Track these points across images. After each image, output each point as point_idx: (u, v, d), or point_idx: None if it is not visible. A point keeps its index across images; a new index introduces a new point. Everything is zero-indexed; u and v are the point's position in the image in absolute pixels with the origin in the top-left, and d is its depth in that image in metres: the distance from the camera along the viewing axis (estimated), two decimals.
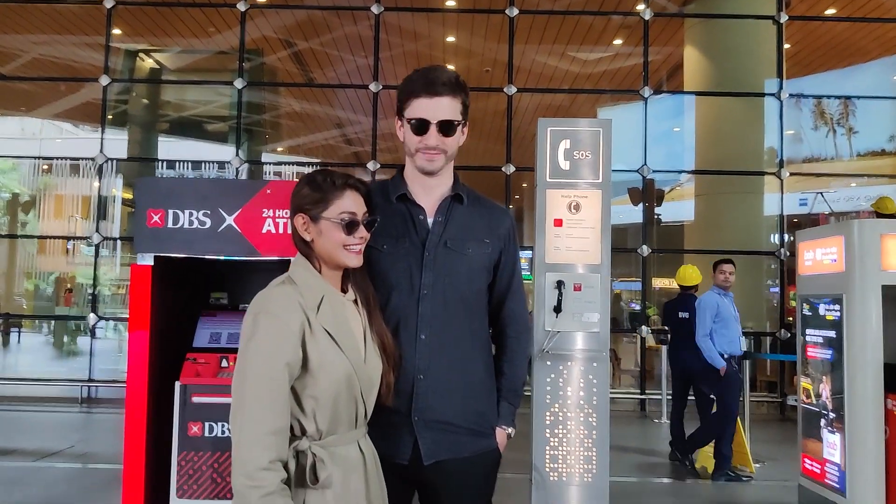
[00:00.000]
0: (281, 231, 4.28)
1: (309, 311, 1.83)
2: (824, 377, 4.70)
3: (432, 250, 2.21)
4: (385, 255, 2.18)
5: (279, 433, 1.74)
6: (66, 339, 14.63)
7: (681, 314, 7.21)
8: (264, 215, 4.29)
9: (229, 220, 4.29)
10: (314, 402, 1.82)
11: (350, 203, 1.93)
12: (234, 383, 1.79)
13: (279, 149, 19.29)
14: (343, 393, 1.86)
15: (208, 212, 4.27)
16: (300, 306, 1.82)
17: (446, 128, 2.20)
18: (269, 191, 4.34)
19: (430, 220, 2.24)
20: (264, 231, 4.27)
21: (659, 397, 9.54)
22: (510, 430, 2.36)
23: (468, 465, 2.23)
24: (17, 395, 9.88)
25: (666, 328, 8.26)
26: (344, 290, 1.99)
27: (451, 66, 14.51)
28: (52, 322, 16.15)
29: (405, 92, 2.22)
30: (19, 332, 16.04)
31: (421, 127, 2.18)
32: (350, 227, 1.91)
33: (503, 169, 10.13)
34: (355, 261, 1.94)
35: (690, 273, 7.41)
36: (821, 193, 10.59)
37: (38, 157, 14.77)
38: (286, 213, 4.30)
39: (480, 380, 2.28)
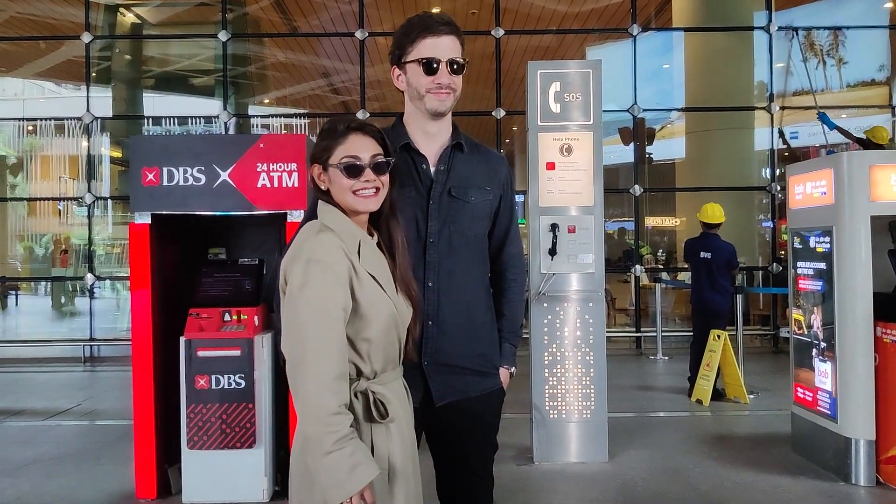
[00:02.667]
0: (276, 185, 4.32)
1: (352, 256, 1.85)
2: (815, 308, 4.79)
3: (437, 199, 2.25)
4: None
5: (343, 377, 1.77)
6: (63, 300, 14.66)
7: (703, 254, 7.17)
8: (258, 169, 4.33)
9: (224, 175, 4.33)
10: (367, 344, 1.86)
11: (353, 147, 1.92)
12: (287, 332, 1.80)
13: (266, 101, 19.07)
14: (392, 332, 1.91)
15: (202, 168, 4.31)
16: (344, 252, 1.84)
17: (455, 66, 2.22)
18: (262, 145, 4.37)
19: (432, 169, 2.28)
20: (259, 185, 4.31)
21: (654, 335, 9.68)
22: (512, 369, 2.45)
23: (476, 405, 2.31)
24: (21, 356, 9.96)
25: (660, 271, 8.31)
26: (370, 234, 2.00)
27: (436, 10, 14.29)
28: (50, 283, 16.17)
29: (407, 35, 2.21)
30: (16, 294, 16.04)
31: (431, 66, 2.19)
32: (351, 170, 1.90)
33: (493, 113, 10.09)
34: (365, 205, 1.93)
35: (713, 211, 7.25)
36: (780, 131, 10.54)
37: (23, 119, 14.56)
38: (280, 167, 4.35)
39: (484, 322, 2.35)
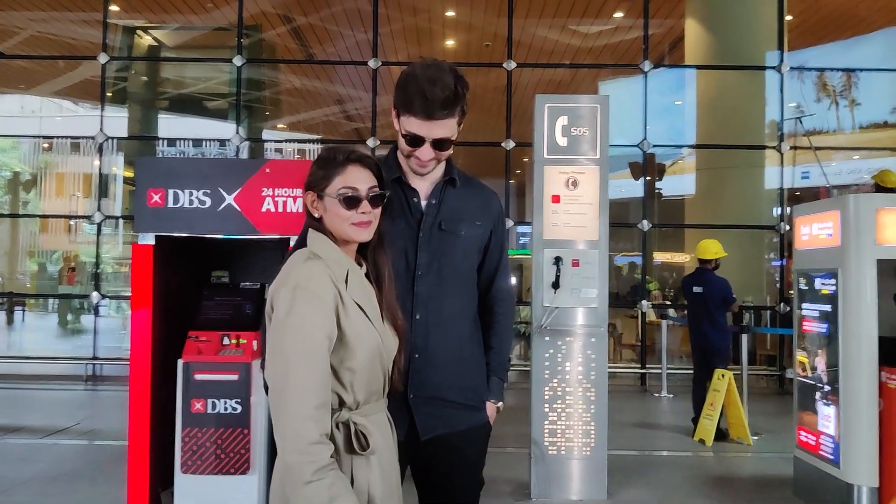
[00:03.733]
0: (280, 210, 4.32)
1: (339, 285, 1.85)
2: (820, 350, 4.74)
3: (427, 232, 2.25)
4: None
5: (324, 407, 1.76)
6: (70, 317, 14.70)
7: (695, 289, 7.16)
8: (264, 194, 4.34)
9: (229, 199, 4.34)
10: (351, 374, 1.84)
11: (351, 178, 1.91)
12: (271, 360, 1.80)
13: (280, 125, 19.24)
14: (376, 363, 1.90)
15: (208, 191, 4.31)
16: (331, 280, 1.83)
17: (441, 144, 2.21)
18: (268, 170, 4.38)
19: (423, 203, 2.28)
20: (264, 210, 4.31)
21: (659, 372, 9.59)
22: (499, 403, 2.43)
23: (462, 439, 2.30)
24: (23, 373, 9.97)
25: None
26: (359, 264, 2.00)
27: (450, 42, 14.38)
28: (56, 301, 16.23)
29: (401, 101, 2.18)
30: (23, 311, 16.10)
31: (415, 141, 2.19)
32: (349, 202, 1.89)
33: (503, 144, 10.12)
34: (359, 234, 1.92)
35: (708, 246, 7.25)
36: (820, 166, 10.56)
37: (39, 136, 14.71)
38: (286, 192, 4.35)
39: (472, 356, 2.34)
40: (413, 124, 2.17)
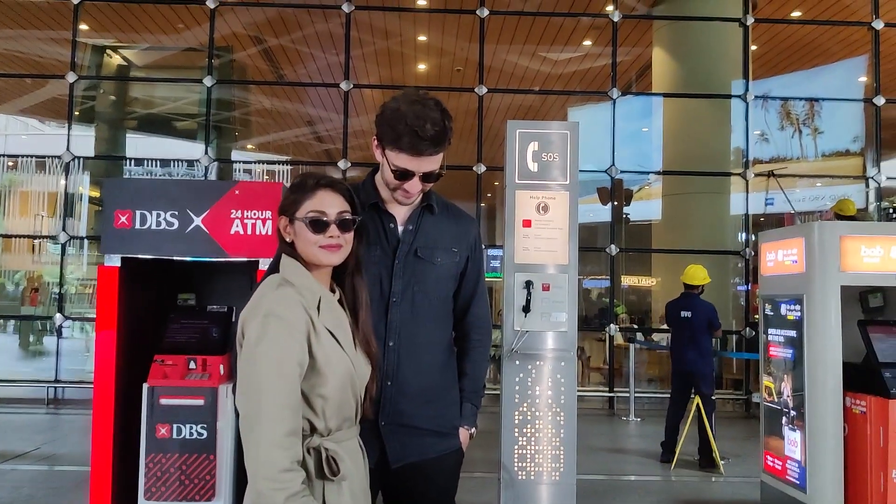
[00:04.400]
0: (249, 232, 4.29)
1: (311, 312, 1.84)
2: (786, 375, 4.79)
3: (402, 259, 2.25)
4: None
5: (295, 434, 1.75)
6: (31, 339, 14.38)
7: (683, 313, 7.19)
8: (232, 216, 4.31)
9: (197, 220, 4.30)
10: (323, 400, 1.84)
11: (320, 202, 1.92)
12: (242, 387, 1.78)
13: (249, 146, 19.16)
14: (347, 390, 1.89)
15: (176, 213, 4.27)
16: (303, 307, 1.83)
17: (429, 177, 2.22)
18: (237, 192, 4.35)
19: (400, 229, 2.27)
20: (232, 232, 4.28)
21: (627, 395, 9.62)
22: (473, 429, 2.41)
23: (433, 466, 2.28)
24: None
25: (639, 329, 8.30)
26: (332, 290, 2.00)
27: (422, 66, 14.42)
28: (18, 322, 15.88)
29: (389, 137, 2.16)
30: None
31: (404, 175, 2.19)
32: (315, 225, 1.90)
33: (474, 168, 10.17)
34: (328, 258, 1.92)
35: (695, 272, 7.31)
36: (783, 192, 10.78)
37: (3, 155, 14.46)
38: (255, 214, 4.33)
39: (445, 383, 2.34)
40: (402, 160, 2.17)
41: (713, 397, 6.98)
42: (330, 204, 1.93)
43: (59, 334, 10.02)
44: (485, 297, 2.47)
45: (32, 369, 12.16)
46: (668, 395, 7.42)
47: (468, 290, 2.41)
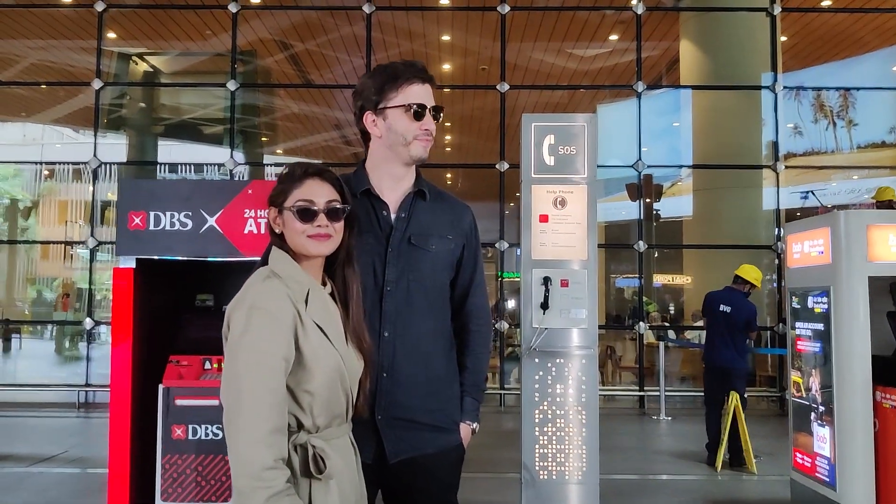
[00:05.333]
0: (263, 231, 4.27)
1: (298, 305, 1.79)
2: (814, 370, 4.65)
3: (396, 246, 2.19)
4: None
5: (280, 431, 1.70)
6: (66, 344, 14.63)
7: (722, 307, 6.97)
8: (246, 216, 4.29)
9: (211, 220, 4.29)
10: (310, 396, 1.79)
11: (308, 191, 1.88)
12: (226, 381, 1.74)
13: (278, 151, 19.31)
14: (336, 386, 1.83)
15: (189, 213, 4.26)
16: (290, 300, 1.78)
17: (437, 113, 2.22)
18: (250, 191, 4.33)
19: (392, 216, 2.22)
20: (246, 231, 4.26)
21: (657, 394, 9.47)
22: (474, 425, 2.33)
23: (432, 462, 2.21)
24: (16, 401, 9.87)
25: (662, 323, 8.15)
26: (323, 283, 1.95)
27: (447, 66, 14.46)
28: (52, 327, 16.17)
29: (393, 81, 2.18)
30: (20, 337, 16.04)
31: (419, 113, 2.18)
32: (303, 214, 1.86)
33: (497, 166, 10.09)
34: (317, 248, 1.88)
35: (752, 270, 7.09)
36: (811, 192, 10.54)
37: (36, 162, 14.75)
38: (267, 214, 4.30)
39: (443, 376, 2.26)
40: (413, 92, 2.18)
41: (745, 396, 6.82)
42: (318, 193, 1.89)
43: (90, 338, 10.14)
44: (483, 286, 2.39)
45: (65, 374, 12.36)
46: (701, 394, 7.25)
47: (465, 278, 2.34)
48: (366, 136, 2.27)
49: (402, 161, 2.22)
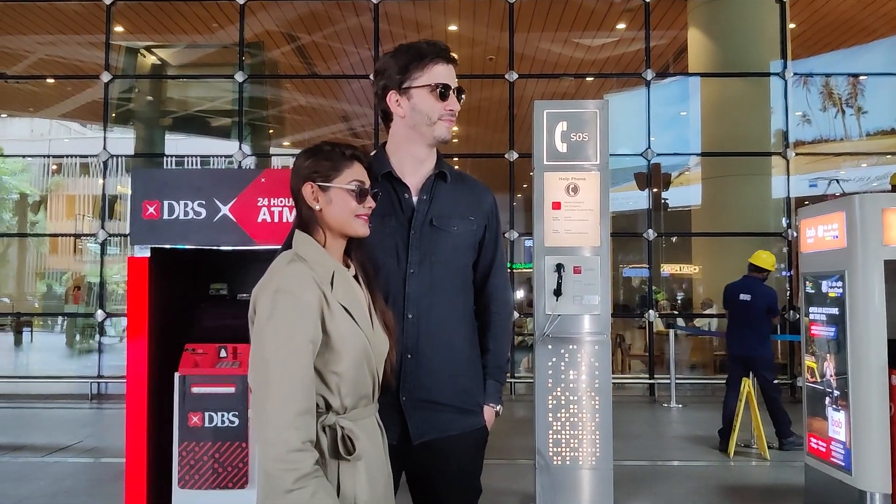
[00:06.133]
0: (276, 220, 4.27)
1: (324, 287, 1.80)
2: (828, 355, 4.64)
3: (418, 229, 2.19)
4: (371, 234, 2.15)
5: (308, 413, 1.70)
6: (77, 336, 14.70)
7: (742, 296, 6.97)
8: (259, 204, 4.28)
9: (224, 209, 4.29)
10: (338, 378, 1.79)
11: (359, 172, 1.92)
12: (253, 365, 1.74)
13: (285, 143, 19.31)
14: (363, 367, 1.84)
15: (203, 202, 4.26)
16: (315, 283, 1.78)
17: (460, 94, 2.23)
18: (263, 179, 4.33)
19: (414, 199, 2.22)
20: (259, 220, 4.26)
21: (668, 382, 9.47)
22: (498, 407, 2.33)
23: (456, 444, 2.21)
24: (30, 392, 9.95)
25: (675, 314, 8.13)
26: (347, 266, 1.96)
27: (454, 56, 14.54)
28: (63, 320, 16.24)
29: (418, 59, 2.18)
30: (31, 331, 16.12)
31: (445, 93, 2.18)
32: (361, 195, 1.90)
33: (506, 156, 10.08)
34: (363, 228, 1.92)
35: (767, 256, 7.11)
36: (836, 181, 10.48)
37: (45, 156, 14.80)
38: (282, 202, 4.30)
39: (467, 357, 2.26)
40: (438, 73, 2.19)
41: (775, 381, 6.83)
42: (364, 175, 1.94)
43: (101, 331, 10.19)
44: (504, 267, 2.40)
45: (78, 366, 12.43)
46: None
47: (486, 259, 2.34)
48: (387, 117, 2.27)
49: (426, 142, 2.23)
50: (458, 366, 2.23)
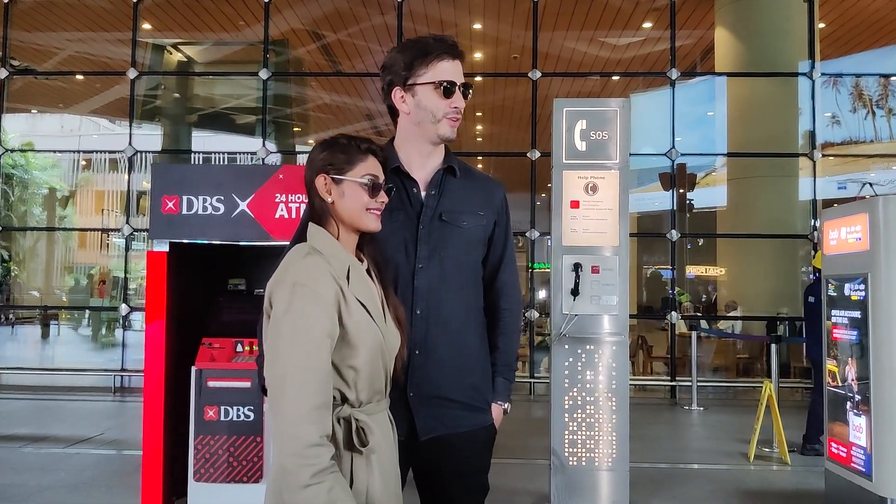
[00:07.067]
0: (294, 216, 4.29)
1: (340, 281, 1.79)
2: (850, 359, 4.57)
3: (427, 223, 2.18)
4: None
5: (325, 407, 1.69)
6: (102, 330, 14.90)
7: (809, 298, 6.91)
8: (277, 200, 4.31)
9: (242, 205, 4.32)
10: (354, 372, 1.78)
11: (374, 166, 1.91)
12: (270, 359, 1.73)
13: (310, 141, 19.40)
14: (378, 362, 1.84)
15: (222, 197, 4.30)
16: (332, 277, 1.77)
17: (466, 90, 2.21)
18: (281, 175, 4.35)
19: (423, 194, 2.21)
20: (277, 216, 4.29)
21: (689, 384, 9.38)
22: (506, 405, 2.31)
23: (464, 442, 2.20)
24: (55, 384, 10.09)
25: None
26: (360, 260, 1.95)
27: (478, 55, 14.42)
28: (89, 313, 16.46)
29: (423, 55, 2.16)
30: (58, 324, 16.36)
31: (450, 90, 2.16)
32: (374, 189, 1.89)
33: (528, 154, 10.05)
34: (375, 223, 1.92)
35: (819, 258, 7.03)
36: (869, 184, 10.33)
37: (73, 151, 15.00)
38: (299, 198, 4.32)
39: (475, 354, 2.24)
40: (443, 70, 2.16)
41: None
42: (379, 169, 1.94)
43: (125, 324, 10.30)
44: (513, 263, 2.37)
45: (102, 359, 12.57)
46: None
47: (496, 255, 2.32)
48: (394, 113, 2.26)
49: (429, 139, 2.21)
50: (467, 362, 2.21)
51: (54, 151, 20.09)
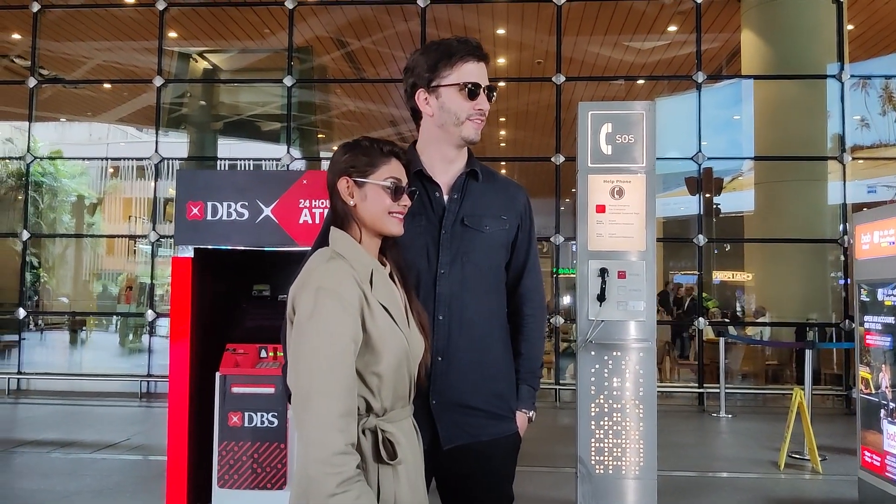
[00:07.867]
0: (317, 221, 4.29)
1: (364, 286, 1.76)
2: (884, 366, 4.48)
3: (449, 228, 2.14)
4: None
5: (350, 414, 1.65)
6: (130, 336, 15.04)
7: None
8: (301, 206, 4.31)
9: (266, 211, 4.32)
10: (378, 379, 1.75)
11: (396, 170, 1.88)
12: (294, 365, 1.70)
13: (334, 148, 19.47)
14: (402, 368, 1.80)
15: (246, 203, 4.30)
16: (356, 281, 1.74)
17: (491, 93, 2.18)
18: (305, 181, 4.35)
19: (445, 198, 2.18)
20: (301, 221, 4.28)
21: (717, 391, 9.25)
22: (531, 413, 2.27)
23: (488, 450, 2.16)
24: (83, 390, 10.17)
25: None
26: (383, 264, 1.92)
27: (502, 60, 14.41)
28: (117, 320, 16.62)
29: (448, 58, 2.13)
30: (86, 330, 16.55)
31: (475, 92, 2.14)
32: (397, 192, 1.86)
33: (552, 159, 9.99)
34: (398, 227, 1.88)
35: None
36: (886, 186, 10.16)
37: (101, 159, 15.18)
38: (323, 203, 4.32)
39: (499, 360, 2.20)
40: (468, 72, 2.14)
41: None
42: (402, 172, 1.91)
43: (152, 330, 10.37)
44: (537, 268, 2.33)
45: (129, 365, 12.67)
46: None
47: (519, 260, 2.28)
48: (416, 115, 2.24)
49: (453, 142, 2.18)
50: (491, 369, 2.17)
51: (82, 159, 20.40)
